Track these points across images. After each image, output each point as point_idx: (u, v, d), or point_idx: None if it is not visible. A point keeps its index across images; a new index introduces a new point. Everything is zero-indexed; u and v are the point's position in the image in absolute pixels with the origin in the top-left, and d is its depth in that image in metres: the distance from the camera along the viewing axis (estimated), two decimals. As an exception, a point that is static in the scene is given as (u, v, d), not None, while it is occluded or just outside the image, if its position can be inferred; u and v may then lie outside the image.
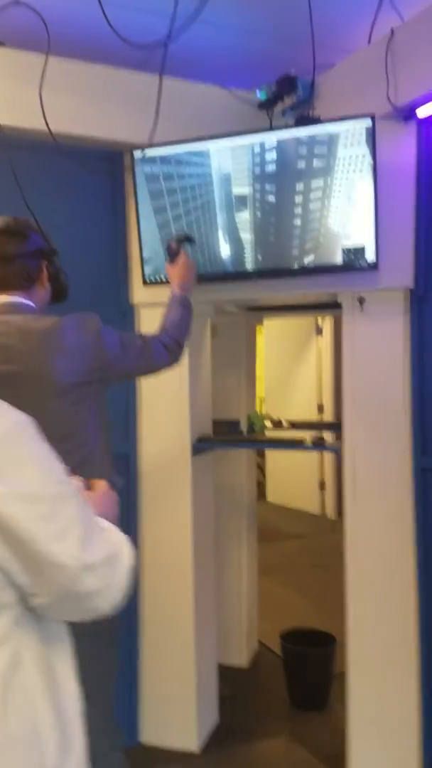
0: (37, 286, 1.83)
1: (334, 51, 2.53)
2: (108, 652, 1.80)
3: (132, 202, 2.60)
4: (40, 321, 1.75)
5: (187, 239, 2.41)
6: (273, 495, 7.50)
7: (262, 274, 2.49)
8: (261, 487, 7.50)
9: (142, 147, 2.52)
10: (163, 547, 2.75)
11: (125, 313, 2.73)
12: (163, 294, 2.63)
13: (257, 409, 7.54)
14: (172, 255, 2.33)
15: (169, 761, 2.68)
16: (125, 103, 2.51)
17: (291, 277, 2.48)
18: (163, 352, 1.97)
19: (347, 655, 2.51)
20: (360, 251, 2.31)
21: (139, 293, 2.70)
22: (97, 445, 1.80)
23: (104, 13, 2.23)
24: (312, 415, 6.54)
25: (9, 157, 2.30)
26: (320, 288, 2.51)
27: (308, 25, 2.39)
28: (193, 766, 2.67)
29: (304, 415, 6.42)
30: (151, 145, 2.51)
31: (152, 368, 1.99)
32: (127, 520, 2.74)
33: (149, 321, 2.73)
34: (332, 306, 2.64)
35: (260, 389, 7.79)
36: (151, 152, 2.51)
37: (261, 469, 7.62)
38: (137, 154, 2.51)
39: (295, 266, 2.42)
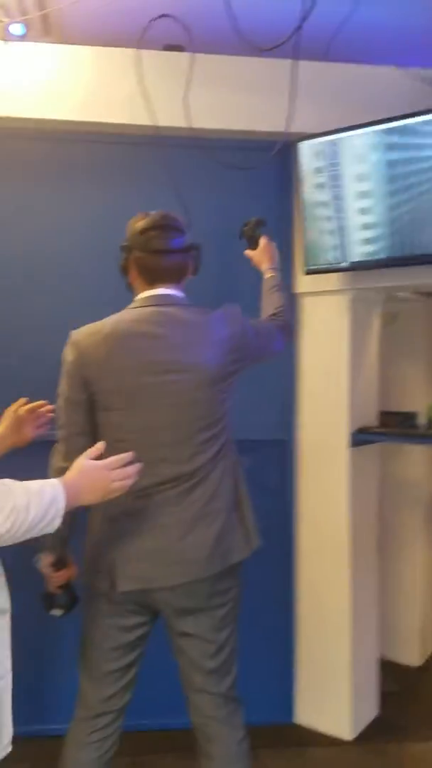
0: (185, 278, 1.95)
1: None
2: (236, 631, 1.92)
3: (297, 193, 2.63)
4: (193, 313, 1.86)
5: (260, 223, 2.36)
6: None
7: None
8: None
9: (305, 136, 2.54)
10: (320, 537, 2.77)
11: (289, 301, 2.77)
12: (325, 283, 2.67)
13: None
14: (250, 241, 2.32)
15: (320, 744, 2.72)
16: (286, 93, 2.53)
17: None
18: (280, 336, 2.06)
19: None
20: None
21: (302, 282, 2.73)
22: (230, 429, 1.90)
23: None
24: None
25: (166, 155, 2.44)
26: None
27: None
28: (342, 753, 2.68)
29: None
30: (305, 137, 2.51)
31: (272, 354, 2.08)
32: (284, 508, 2.82)
33: (311, 309, 2.77)
34: None
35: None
36: (318, 140, 2.51)
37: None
38: (304, 144, 2.54)
39: None
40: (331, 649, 2.76)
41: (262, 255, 2.30)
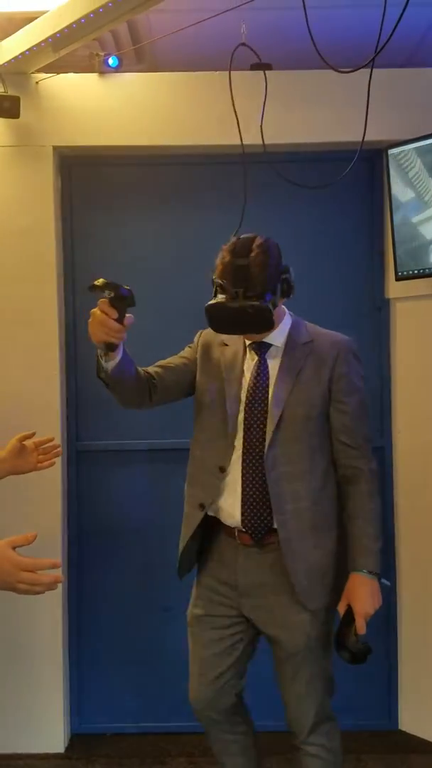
0: None
1: None
2: None
3: (387, 199, 2.64)
4: None
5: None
6: None
7: None
8: None
9: (396, 144, 2.55)
10: (421, 542, 2.75)
11: (380, 308, 2.80)
12: (417, 288, 2.66)
13: None
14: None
15: (424, 751, 2.70)
16: (376, 103, 2.55)
17: None
18: None
19: None
20: None
21: (394, 288, 2.74)
22: None
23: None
24: None
25: (257, 173, 2.50)
26: None
27: None
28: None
29: None
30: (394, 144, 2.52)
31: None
32: (383, 514, 2.80)
33: (403, 314, 2.76)
34: None
35: None
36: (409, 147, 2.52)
37: None
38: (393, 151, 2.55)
39: None
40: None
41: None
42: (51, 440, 2.01)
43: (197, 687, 1.93)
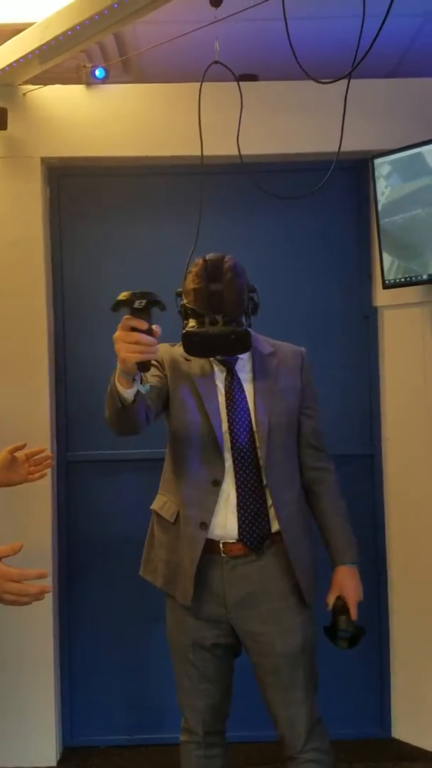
0: None
1: None
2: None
3: (374, 208, 2.66)
4: None
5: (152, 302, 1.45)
6: None
7: None
8: None
9: (383, 153, 2.57)
10: (412, 549, 2.76)
11: (368, 316, 2.81)
12: (405, 296, 2.67)
13: None
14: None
15: (416, 759, 2.69)
16: (362, 113, 2.57)
17: None
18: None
19: None
20: None
21: (381, 296, 2.76)
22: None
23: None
24: None
25: (239, 184, 2.52)
26: None
27: None
28: (439, 770, 2.65)
29: None
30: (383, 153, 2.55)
31: None
32: (374, 522, 2.83)
33: (391, 323, 2.78)
34: None
35: None
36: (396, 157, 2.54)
37: None
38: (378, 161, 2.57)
39: None
40: (428, 661, 2.74)
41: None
42: (42, 451, 2.00)
43: (208, 716, 1.92)
